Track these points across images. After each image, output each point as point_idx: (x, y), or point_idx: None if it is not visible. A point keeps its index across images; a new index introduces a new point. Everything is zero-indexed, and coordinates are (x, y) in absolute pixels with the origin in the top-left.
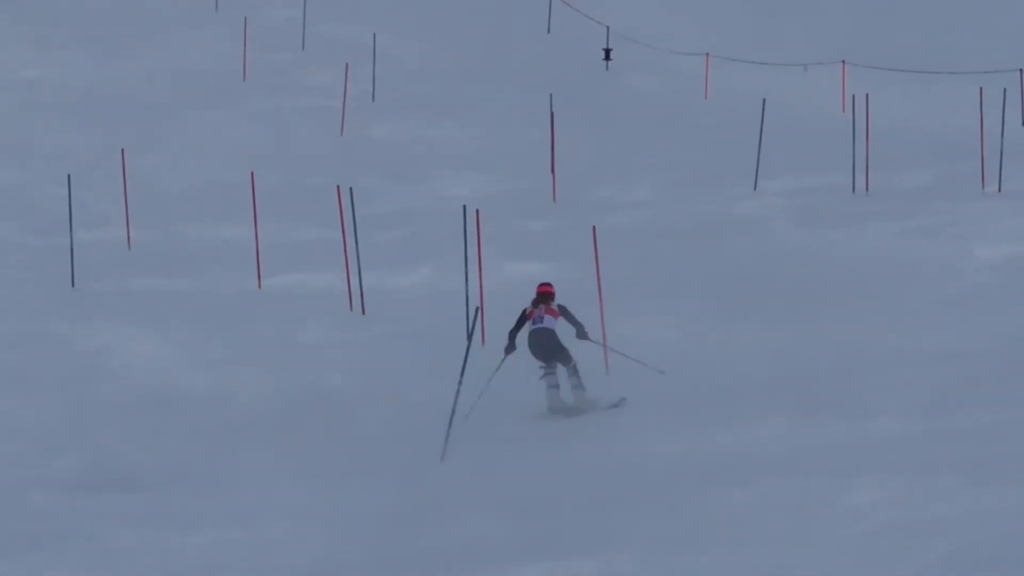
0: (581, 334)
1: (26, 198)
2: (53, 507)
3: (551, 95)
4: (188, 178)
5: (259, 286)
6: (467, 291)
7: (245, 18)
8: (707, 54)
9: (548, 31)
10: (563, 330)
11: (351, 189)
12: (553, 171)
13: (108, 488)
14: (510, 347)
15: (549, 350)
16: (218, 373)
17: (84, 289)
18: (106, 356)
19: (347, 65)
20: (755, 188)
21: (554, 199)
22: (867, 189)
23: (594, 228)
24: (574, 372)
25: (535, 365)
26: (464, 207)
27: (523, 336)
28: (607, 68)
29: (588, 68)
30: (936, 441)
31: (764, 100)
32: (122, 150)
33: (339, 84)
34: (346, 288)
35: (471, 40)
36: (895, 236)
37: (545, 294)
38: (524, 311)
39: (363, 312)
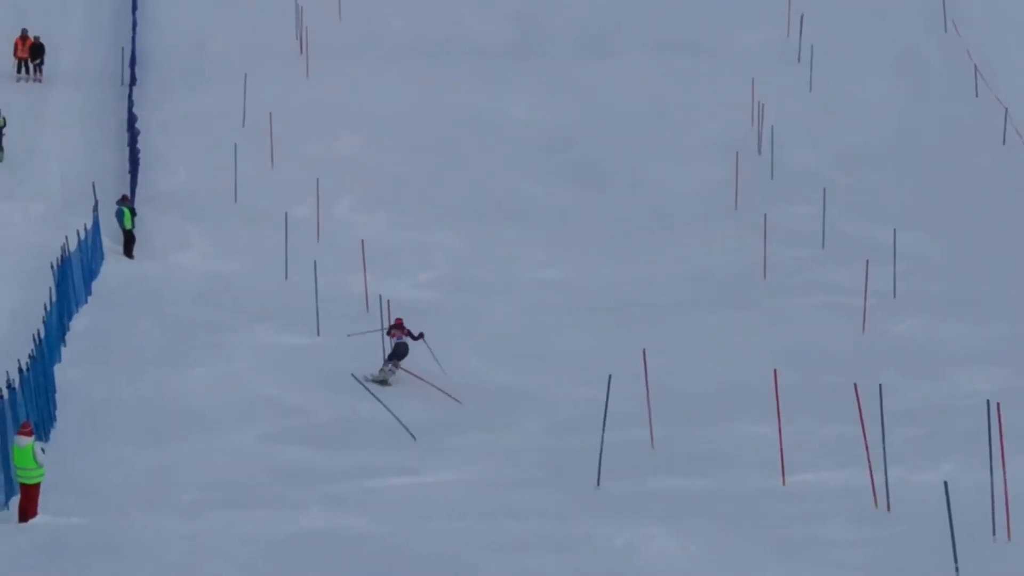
0: (413, 338)
1: (548, 399)
2: None
3: None
4: (707, 377)
5: (783, 483)
6: (991, 486)
7: (765, 215)
8: None
9: None
10: None
11: (880, 386)
12: None
13: None
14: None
15: (401, 352)
16: (739, 573)
17: (607, 489)
18: (629, 556)
19: (867, 262)
20: None
21: None
22: None
23: None
24: (395, 365)
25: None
26: (987, 402)
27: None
28: None
29: None
30: None
31: None
32: (643, 350)
33: (858, 281)
34: (869, 484)
35: (990, 234)
36: None
37: (400, 324)
38: (390, 328)
39: (888, 509)
